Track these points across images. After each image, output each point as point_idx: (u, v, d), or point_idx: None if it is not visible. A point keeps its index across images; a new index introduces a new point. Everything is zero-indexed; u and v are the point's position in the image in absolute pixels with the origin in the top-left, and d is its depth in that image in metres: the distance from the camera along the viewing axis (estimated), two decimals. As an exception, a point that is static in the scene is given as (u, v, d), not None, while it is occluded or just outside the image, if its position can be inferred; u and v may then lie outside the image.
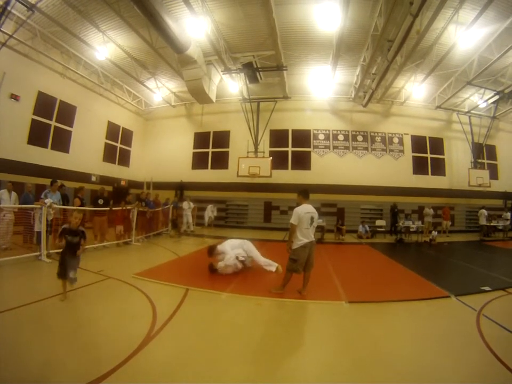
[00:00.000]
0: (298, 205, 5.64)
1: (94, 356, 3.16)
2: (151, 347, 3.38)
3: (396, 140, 19.65)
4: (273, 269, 6.89)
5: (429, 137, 19.94)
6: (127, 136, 21.56)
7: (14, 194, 9.14)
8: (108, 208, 10.23)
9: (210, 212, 17.47)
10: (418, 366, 3.22)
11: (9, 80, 12.54)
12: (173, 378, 2.88)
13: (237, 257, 7.04)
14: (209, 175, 20.69)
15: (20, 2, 10.61)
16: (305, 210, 5.46)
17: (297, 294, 5.50)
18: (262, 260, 7.18)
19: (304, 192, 5.75)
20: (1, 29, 11.02)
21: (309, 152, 19.80)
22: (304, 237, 5.42)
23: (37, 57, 14.01)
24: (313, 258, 5.62)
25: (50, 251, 7.86)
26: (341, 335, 4.08)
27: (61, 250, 5.02)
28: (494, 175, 19.53)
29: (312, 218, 5.49)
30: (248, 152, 17.97)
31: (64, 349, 3.27)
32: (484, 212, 16.63)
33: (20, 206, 8.66)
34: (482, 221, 16.63)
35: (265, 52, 14.44)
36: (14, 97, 13.14)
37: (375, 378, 3.00)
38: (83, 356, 3.15)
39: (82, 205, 9.58)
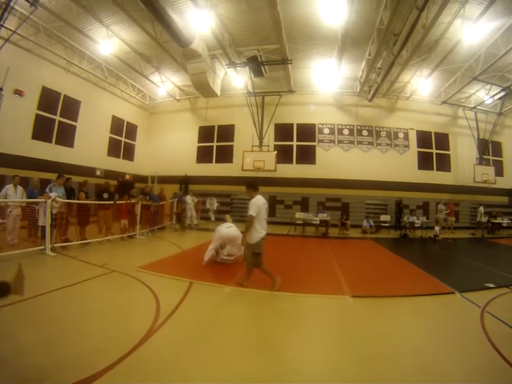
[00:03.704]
0: (252, 197, 5.51)
1: (98, 348, 3.18)
2: (154, 339, 3.41)
3: (401, 135, 19.48)
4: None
5: (435, 132, 19.74)
6: (131, 131, 21.61)
7: (20, 188, 8.94)
8: (113, 202, 10.25)
9: (208, 205, 17.46)
10: (422, 362, 3.22)
11: (13, 75, 12.51)
12: (177, 370, 2.91)
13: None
14: (213, 169, 20.67)
15: (22, -2, 10.58)
16: (262, 201, 5.48)
17: (299, 288, 5.53)
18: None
19: (253, 184, 5.67)
20: (5, 24, 10.94)
21: (314, 146, 19.69)
22: (263, 228, 5.46)
23: (40, 53, 14.02)
24: None
25: (55, 245, 7.93)
26: (345, 330, 4.08)
27: None
28: (499, 172, 19.36)
29: (266, 209, 5.56)
30: (252, 146, 17.93)
31: (68, 341, 3.30)
32: (481, 209, 16.80)
33: (25, 200, 8.61)
34: (480, 218, 16.84)
35: (270, 45, 14.34)
36: (18, 92, 13.17)
37: (378, 373, 3.01)
38: (86, 348, 3.16)
39: (87, 199, 9.62)
